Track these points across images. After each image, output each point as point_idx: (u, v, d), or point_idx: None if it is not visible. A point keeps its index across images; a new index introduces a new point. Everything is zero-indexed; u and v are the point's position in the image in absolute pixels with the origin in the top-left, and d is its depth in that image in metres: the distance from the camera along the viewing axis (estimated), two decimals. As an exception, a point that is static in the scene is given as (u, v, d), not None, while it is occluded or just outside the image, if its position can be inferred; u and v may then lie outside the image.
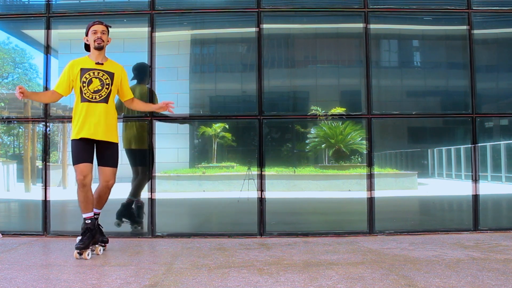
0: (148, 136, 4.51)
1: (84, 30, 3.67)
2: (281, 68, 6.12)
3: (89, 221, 3.47)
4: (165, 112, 4.09)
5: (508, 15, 4.94)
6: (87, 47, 3.68)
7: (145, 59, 4.55)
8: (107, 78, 3.58)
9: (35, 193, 5.93)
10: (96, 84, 3.54)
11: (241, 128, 7.28)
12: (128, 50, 4.97)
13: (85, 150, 3.48)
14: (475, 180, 4.60)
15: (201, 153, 8.14)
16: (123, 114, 4.49)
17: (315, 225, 5.31)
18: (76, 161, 3.46)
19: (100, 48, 3.58)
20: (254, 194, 4.55)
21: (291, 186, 7.55)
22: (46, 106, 4.54)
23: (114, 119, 3.64)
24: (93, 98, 3.52)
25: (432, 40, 5.64)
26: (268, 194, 4.49)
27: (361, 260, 3.31)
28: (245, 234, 4.44)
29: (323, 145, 9.08)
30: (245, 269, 3.03)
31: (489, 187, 6.55)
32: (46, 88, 4.50)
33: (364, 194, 4.56)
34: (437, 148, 10.55)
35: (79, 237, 3.48)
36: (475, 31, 4.69)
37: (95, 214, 3.61)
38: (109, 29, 3.68)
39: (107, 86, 3.57)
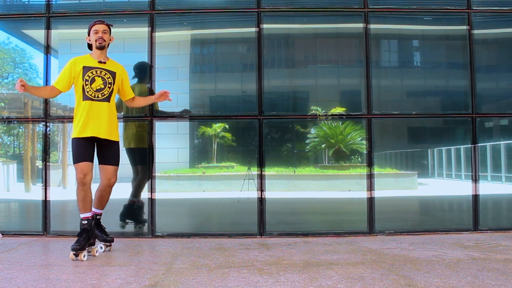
0: (148, 136, 4.52)
1: (84, 30, 3.69)
2: (281, 68, 6.11)
3: (86, 221, 3.46)
4: (165, 109, 4.09)
5: (508, 15, 4.94)
6: (90, 47, 3.70)
7: (145, 59, 4.56)
8: (109, 77, 3.59)
9: (35, 193, 5.92)
10: (98, 82, 3.55)
11: (241, 128, 7.26)
12: (128, 50, 4.97)
13: (86, 149, 3.48)
14: (475, 180, 4.60)
15: (201, 153, 8.12)
16: (123, 113, 4.50)
17: (315, 225, 5.31)
18: (76, 160, 3.46)
19: (101, 48, 3.60)
20: (254, 194, 4.55)
21: (291, 186, 7.54)
22: (46, 106, 4.54)
23: (116, 118, 3.68)
24: (96, 96, 3.53)
25: (432, 40, 5.64)
26: (268, 194, 4.49)
27: (361, 260, 3.31)
28: (245, 234, 4.44)
29: (323, 145, 9.07)
30: (245, 269, 3.03)
31: (489, 187, 6.54)
32: (46, 88, 4.50)
33: (364, 194, 4.56)
34: (437, 148, 10.53)
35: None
36: (475, 31, 4.70)
37: (96, 215, 3.62)
38: (111, 28, 3.70)
39: (109, 85, 3.58)
